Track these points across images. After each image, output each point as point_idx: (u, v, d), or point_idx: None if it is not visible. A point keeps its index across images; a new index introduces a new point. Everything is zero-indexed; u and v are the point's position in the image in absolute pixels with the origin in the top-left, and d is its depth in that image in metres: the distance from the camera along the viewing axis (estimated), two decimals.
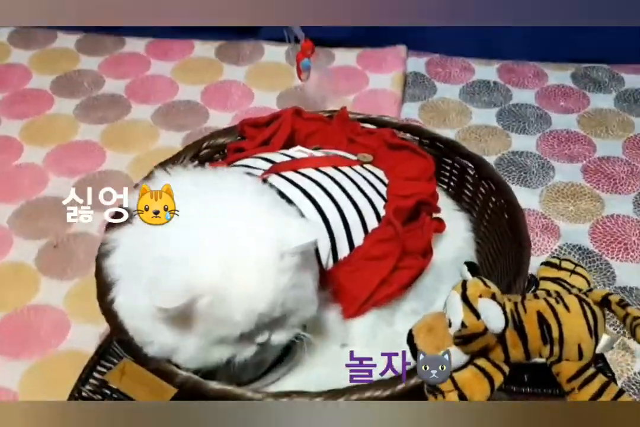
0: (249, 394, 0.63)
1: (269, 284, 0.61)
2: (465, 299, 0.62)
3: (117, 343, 0.68)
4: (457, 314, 0.62)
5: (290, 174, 0.80)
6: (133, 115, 1.32)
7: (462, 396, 0.60)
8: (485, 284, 0.64)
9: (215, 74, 1.42)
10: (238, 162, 0.85)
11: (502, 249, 0.87)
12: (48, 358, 0.92)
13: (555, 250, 1.05)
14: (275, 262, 0.61)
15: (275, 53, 1.44)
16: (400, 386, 0.64)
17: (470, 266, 0.67)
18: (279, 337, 0.65)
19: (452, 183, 0.99)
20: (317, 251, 0.72)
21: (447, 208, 0.90)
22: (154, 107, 1.33)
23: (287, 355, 0.69)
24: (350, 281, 0.76)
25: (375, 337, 0.78)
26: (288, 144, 0.91)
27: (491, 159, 1.21)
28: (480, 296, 0.62)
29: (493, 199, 0.90)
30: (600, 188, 1.16)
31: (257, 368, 0.68)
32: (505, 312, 0.61)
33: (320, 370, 0.74)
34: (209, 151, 0.94)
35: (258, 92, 1.37)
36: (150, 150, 1.23)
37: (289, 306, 0.63)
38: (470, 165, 0.93)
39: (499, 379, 0.62)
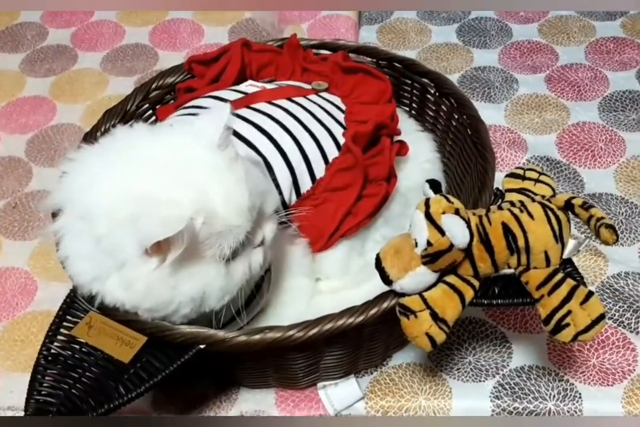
0: (221, 334, 0.63)
1: (232, 178, 0.59)
2: (428, 216, 0.61)
3: (82, 296, 0.66)
4: (422, 232, 0.61)
5: (242, 111, 0.77)
6: (80, 64, 1.27)
7: (433, 314, 0.60)
8: (448, 200, 0.62)
9: (162, 13, 1.35)
10: (188, 104, 0.82)
11: (469, 165, 0.86)
12: (17, 320, 0.90)
13: (524, 164, 1.04)
14: (219, 155, 0.59)
15: None
16: (373, 311, 0.64)
17: (432, 183, 0.65)
18: (270, 230, 0.64)
19: (413, 104, 0.97)
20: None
21: (410, 130, 0.89)
22: (102, 54, 1.28)
23: (257, 292, 0.68)
24: (315, 214, 0.74)
25: (348, 268, 0.78)
26: (239, 80, 0.88)
27: (454, 77, 1.18)
28: (444, 213, 0.61)
29: (455, 116, 0.88)
30: (564, 97, 1.14)
31: (228, 309, 0.67)
32: (469, 227, 0.60)
33: (293, 305, 0.73)
34: (159, 93, 0.91)
35: (208, 28, 1.31)
36: (101, 98, 1.18)
37: (259, 192, 0.61)
38: (429, 83, 0.90)
39: (469, 294, 0.62)
